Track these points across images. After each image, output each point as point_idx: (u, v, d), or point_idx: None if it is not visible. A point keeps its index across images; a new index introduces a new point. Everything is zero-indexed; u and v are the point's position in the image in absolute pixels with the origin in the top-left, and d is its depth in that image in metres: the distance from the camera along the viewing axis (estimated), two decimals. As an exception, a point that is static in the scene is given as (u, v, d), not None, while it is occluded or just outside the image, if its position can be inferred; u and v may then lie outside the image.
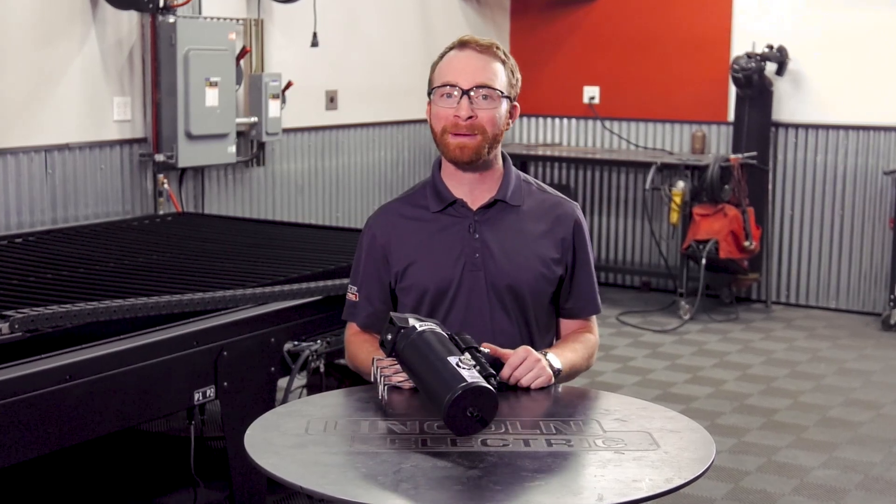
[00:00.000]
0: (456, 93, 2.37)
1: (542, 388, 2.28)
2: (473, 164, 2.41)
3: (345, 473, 1.88)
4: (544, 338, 2.52)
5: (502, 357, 2.29)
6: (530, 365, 2.28)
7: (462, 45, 2.42)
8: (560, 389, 2.34)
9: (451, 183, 2.48)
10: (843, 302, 7.13)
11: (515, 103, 2.47)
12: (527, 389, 2.27)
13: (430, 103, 2.46)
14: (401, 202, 2.55)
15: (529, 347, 2.33)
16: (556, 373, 2.33)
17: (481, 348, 2.20)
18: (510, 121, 2.45)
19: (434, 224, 2.47)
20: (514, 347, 2.37)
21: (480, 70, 2.38)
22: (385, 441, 2.00)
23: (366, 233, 2.54)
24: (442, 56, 2.46)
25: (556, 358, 2.36)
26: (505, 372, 2.27)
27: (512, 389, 2.27)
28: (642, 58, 7.60)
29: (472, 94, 2.37)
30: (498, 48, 2.43)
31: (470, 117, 2.36)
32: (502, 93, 2.40)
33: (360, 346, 2.49)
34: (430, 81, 2.45)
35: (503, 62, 2.43)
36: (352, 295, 2.54)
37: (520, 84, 2.48)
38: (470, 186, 2.47)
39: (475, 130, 2.37)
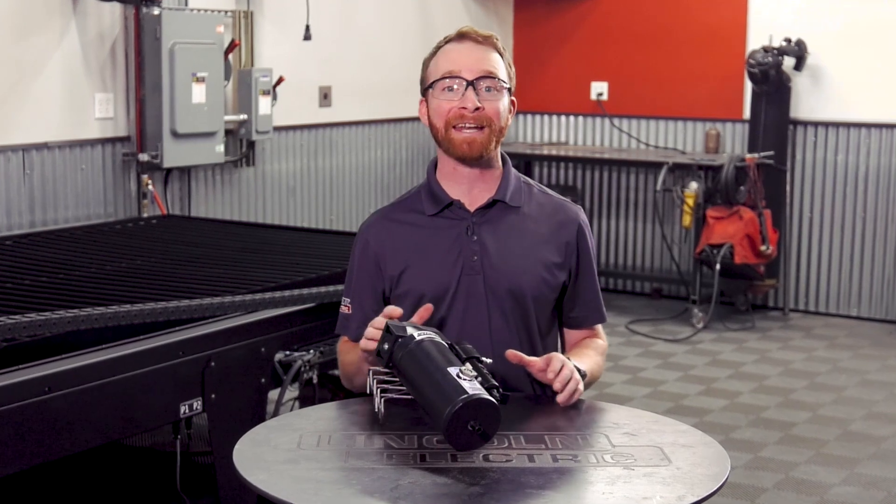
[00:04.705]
0: (457, 85, 2.39)
1: (549, 400, 2.28)
2: (481, 159, 2.43)
3: (339, 491, 1.89)
4: (546, 347, 2.52)
5: (528, 365, 2.27)
6: (567, 376, 2.25)
7: (461, 36, 2.44)
8: (583, 404, 2.33)
9: (448, 184, 2.48)
10: (864, 309, 7.13)
11: (513, 98, 2.49)
12: (538, 400, 2.26)
13: (423, 101, 2.47)
14: (394, 207, 2.56)
15: (560, 354, 2.31)
16: (583, 376, 2.32)
17: (484, 358, 2.19)
18: (509, 116, 2.47)
19: (430, 227, 2.47)
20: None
21: (483, 60, 2.41)
22: (381, 456, 2.00)
23: (358, 240, 2.54)
24: (436, 50, 2.47)
25: (580, 363, 2.35)
26: (557, 385, 2.23)
27: (518, 400, 2.27)
28: (653, 52, 7.61)
29: (476, 85, 2.39)
30: (497, 39, 2.46)
31: (477, 108, 2.38)
32: (505, 84, 2.42)
33: (349, 352, 2.49)
34: (425, 77, 2.47)
35: (501, 54, 2.46)
36: (345, 307, 2.54)
37: (515, 80, 2.50)
38: (468, 186, 2.47)
39: (483, 122, 2.39)
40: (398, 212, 2.53)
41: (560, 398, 2.24)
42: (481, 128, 2.39)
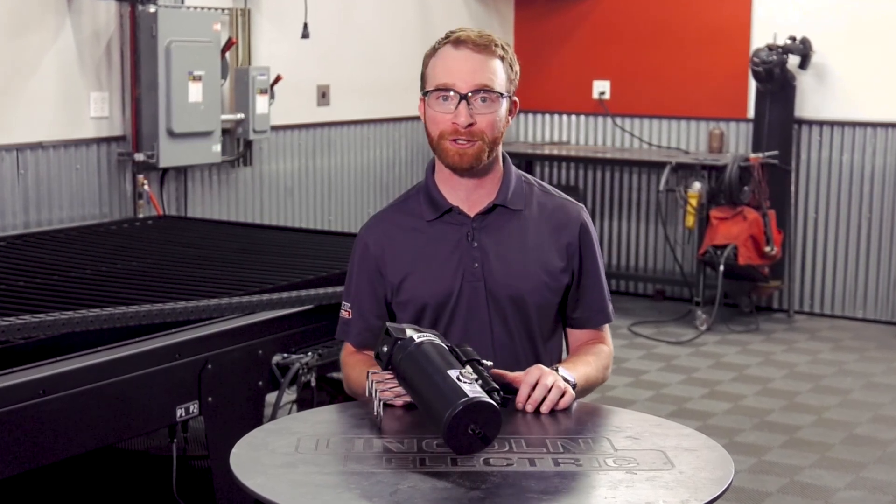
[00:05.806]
0: (453, 95, 2.37)
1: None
2: (473, 169, 2.42)
3: (338, 495, 1.89)
4: (549, 351, 2.52)
5: (513, 382, 2.27)
6: (546, 386, 2.25)
7: (457, 42, 2.40)
8: (574, 406, 2.33)
9: (446, 188, 2.47)
10: (870, 311, 7.13)
11: (515, 98, 2.46)
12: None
13: (423, 100, 2.45)
14: (394, 210, 2.55)
15: (541, 366, 2.31)
16: (573, 386, 2.32)
17: (484, 361, 2.19)
18: (510, 118, 2.45)
19: (429, 233, 2.47)
20: (516, 361, 2.36)
21: (478, 71, 2.37)
22: (381, 460, 2.00)
23: (358, 244, 2.54)
24: (435, 50, 2.44)
25: (569, 372, 2.35)
26: (521, 396, 2.24)
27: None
28: (656, 50, 7.62)
29: (470, 98, 2.36)
30: (496, 44, 2.41)
31: (470, 124, 2.36)
32: (502, 94, 2.39)
33: (354, 366, 2.48)
34: (423, 76, 2.45)
35: (501, 58, 2.41)
36: (345, 312, 2.54)
37: (518, 75, 2.46)
38: (467, 192, 2.46)
39: (475, 137, 2.37)
40: (398, 215, 2.52)
41: (543, 408, 2.24)
42: (473, 142, 2.37)
